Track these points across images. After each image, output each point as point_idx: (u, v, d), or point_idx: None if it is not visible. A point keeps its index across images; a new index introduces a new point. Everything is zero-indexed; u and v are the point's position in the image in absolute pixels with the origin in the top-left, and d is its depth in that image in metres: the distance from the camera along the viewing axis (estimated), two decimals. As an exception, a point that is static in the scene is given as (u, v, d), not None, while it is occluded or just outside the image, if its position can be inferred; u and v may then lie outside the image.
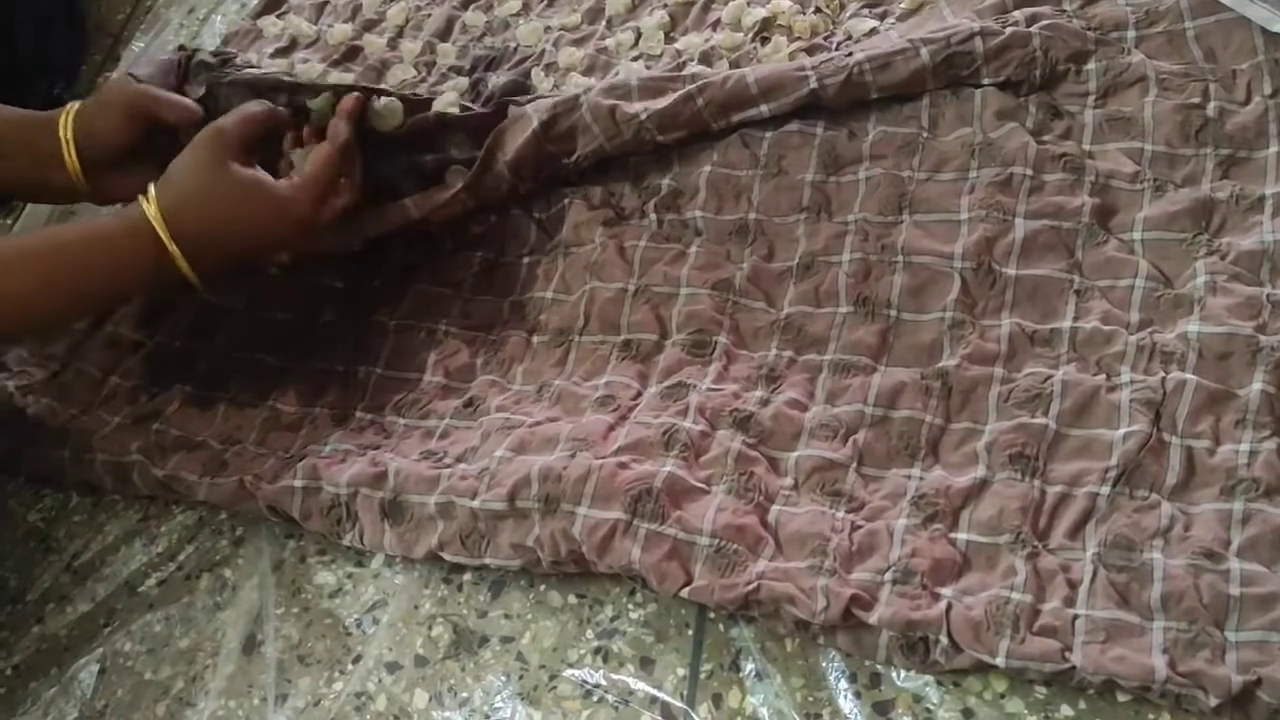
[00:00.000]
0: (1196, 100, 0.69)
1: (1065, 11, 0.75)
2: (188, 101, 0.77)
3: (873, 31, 0.82)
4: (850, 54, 0.74)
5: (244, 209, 0.69)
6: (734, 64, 0.83)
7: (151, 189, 0.68)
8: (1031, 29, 0.73)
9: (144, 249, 0.67)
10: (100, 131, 0.74)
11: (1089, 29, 0.74)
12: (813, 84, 0.73)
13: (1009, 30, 0.73)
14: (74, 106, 0.75)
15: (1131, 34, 0.74)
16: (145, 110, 0.75)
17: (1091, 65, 0.73)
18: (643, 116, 0.74)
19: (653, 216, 0.75)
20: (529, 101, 0.79)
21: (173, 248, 0.66)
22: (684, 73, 0.78)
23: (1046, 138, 0.71)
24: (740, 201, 0.74)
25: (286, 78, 0.81)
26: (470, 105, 0.80)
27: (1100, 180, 0.68)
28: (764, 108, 0.74)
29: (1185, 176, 0.67)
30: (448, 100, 0.79)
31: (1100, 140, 0.70)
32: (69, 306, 0.69)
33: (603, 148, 0.76)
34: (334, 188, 0.73)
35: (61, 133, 0.74)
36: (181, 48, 0.84)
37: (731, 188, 0.75)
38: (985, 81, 0.73)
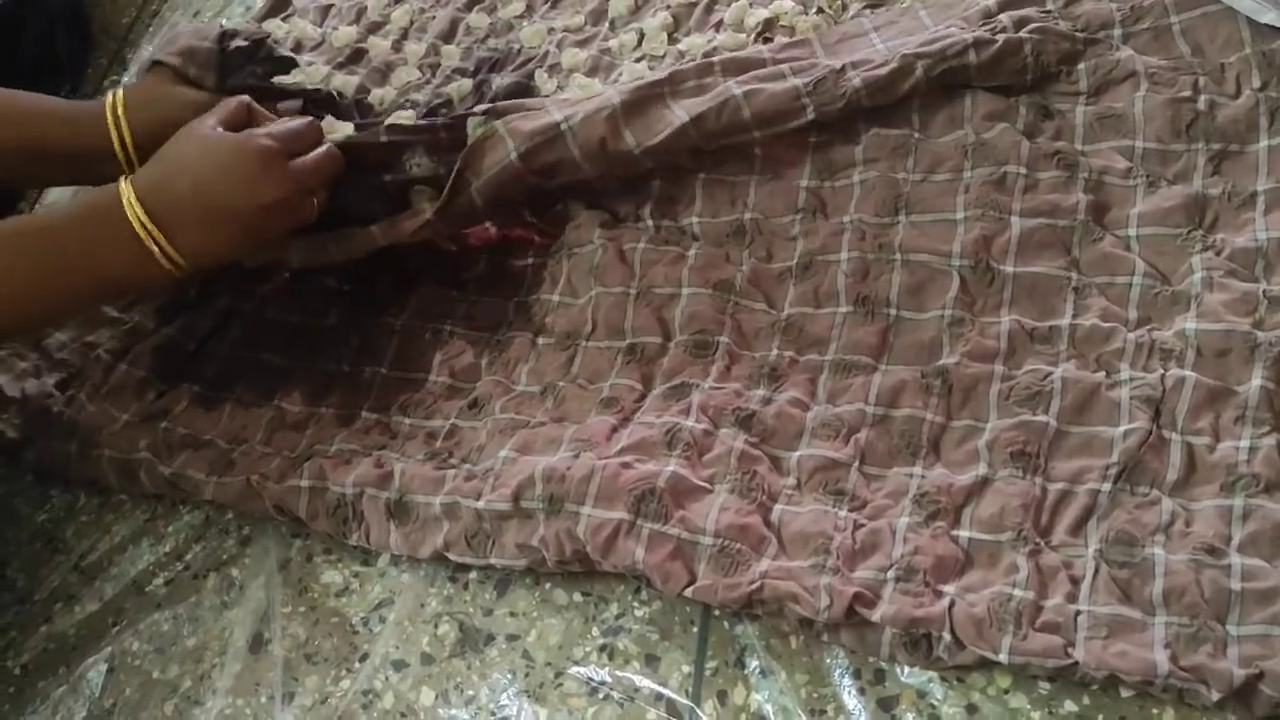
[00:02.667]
0: (1187, 94, 0.69)
1: (1050, 12, 0.75)
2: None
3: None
4: (842, 70, 0.73)
5: (216, 159, 0.66)
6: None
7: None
8: (1021, 34, 0.73)
9: (116, 220, 0.64)
10: (160, 136, 0.73)
11: (1076, 30, 0.74)
12: (810, 115, 0.72)
13: (1001, 39, 0.72)
14: (119, 102, 0.74)
15: (1118, 32, 0.74)
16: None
17: (1082, 65, 0.73)
18: (637, 152, 0.73)
19: (649, 221, 0.75)
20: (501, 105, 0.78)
21: (136, 210, 0.64)
22: (664, 76, 0.75)
23: (1039, 138, 0.71)
24: (736, 204, 0.74)
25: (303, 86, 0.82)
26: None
27: (1094, 177, 0.68)
28: (756, 134, 0.73)
29: (1177, 172, 0.68)
30: (403, 116, 0.79)
31: (1092, 139, 0.70)
32: (43, 299, 0.65)
33: (589, 177, 0.74)
34: (322, 181, 0.72)
35: (115, 140, 0.74)
36: (224, 33, 0.82)
37: (727, 193, 0.75)
38: (976, 85, 0.73)
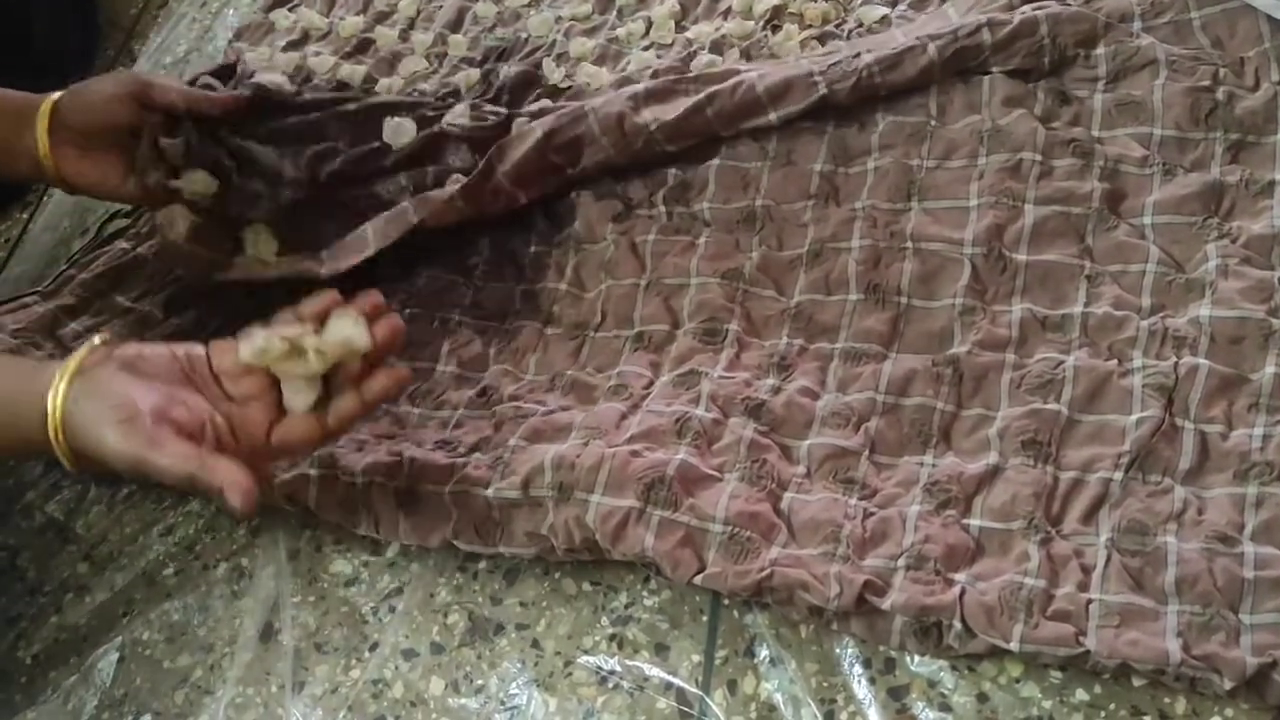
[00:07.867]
0: (1206, 83, 0.69)
1: (1070, 5, 0.74)
2: (181, 86, 0.75)
3: (884, 19, 0.82)
4: (858, 54, 0.73)
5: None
6: (744, 53, 0.83)
7: (62, 385, 0.57)
8: (1039, 14, 0.73)
9: (36, 420, 0.58)
10: (81, 109, 0.72)
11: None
12: (822, 90, 0.73)
13: (1017, 19, 0.72)
14: (50, 104, 0.73)
15: (1137, 25, 0.73)
16: (135, 90, 0.72)
17: (1101, 49, 0.72)
18: (653, 128, 0.74)
19: (661, 208, 0.75)
20: (537, 100, 0.80)
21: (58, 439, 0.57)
22: (689, 72, 0.77)
23: (1055, 124, 0.70)
24: (748, 190, 0.74)
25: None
26: (481, 114, 0.80)
27: (1109, 165, 0.68)
28: (773, 116, 0.74)
29: (1194, 160, 0.67)
30: (458, 112, 0.80)
31: (1109, 125, 0.70)
32: None
33: (610, 158, 0.76)
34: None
35: (40, 119, 0.72)
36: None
37: (740, 178, 0.75)
38: (994, 70, 0.73)
